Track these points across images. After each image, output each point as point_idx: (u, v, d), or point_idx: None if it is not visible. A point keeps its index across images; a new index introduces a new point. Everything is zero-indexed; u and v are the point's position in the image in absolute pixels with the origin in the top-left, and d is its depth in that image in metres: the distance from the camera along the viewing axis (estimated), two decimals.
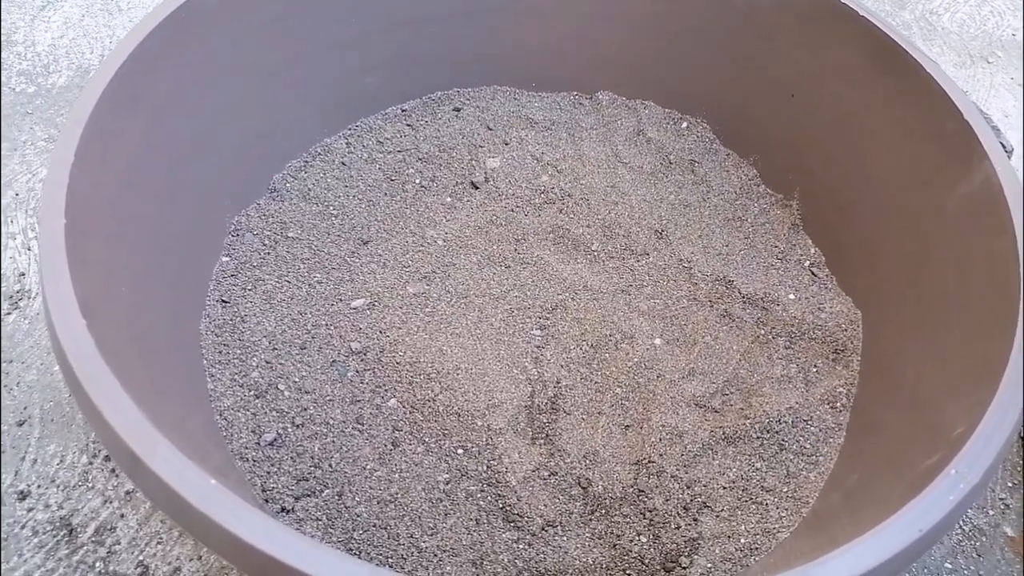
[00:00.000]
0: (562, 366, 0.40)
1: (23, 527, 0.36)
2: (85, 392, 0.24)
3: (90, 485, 0.38)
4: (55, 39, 0.61)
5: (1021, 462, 0.42)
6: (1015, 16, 0.73)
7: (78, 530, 0.37)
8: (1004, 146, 0.52)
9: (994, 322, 0.28)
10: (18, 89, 0.57)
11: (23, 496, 0.38)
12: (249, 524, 0.21)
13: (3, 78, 0.56)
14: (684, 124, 0.51)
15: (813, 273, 0.44)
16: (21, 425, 0.40)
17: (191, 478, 0.22)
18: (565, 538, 0.34)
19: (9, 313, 0.44)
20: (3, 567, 0.35)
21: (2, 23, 0.60)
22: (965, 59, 0.68)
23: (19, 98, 0.56)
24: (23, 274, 0.46)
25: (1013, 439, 0.25)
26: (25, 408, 0.41)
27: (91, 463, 0.39)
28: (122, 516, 0.37)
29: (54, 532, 0.36)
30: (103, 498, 0.38)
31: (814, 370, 0.40)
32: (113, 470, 0.39)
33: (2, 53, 0.58)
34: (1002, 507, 0.40)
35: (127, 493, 0.38)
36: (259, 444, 0.36)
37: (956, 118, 0.35)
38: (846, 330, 0.40)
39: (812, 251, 0.45)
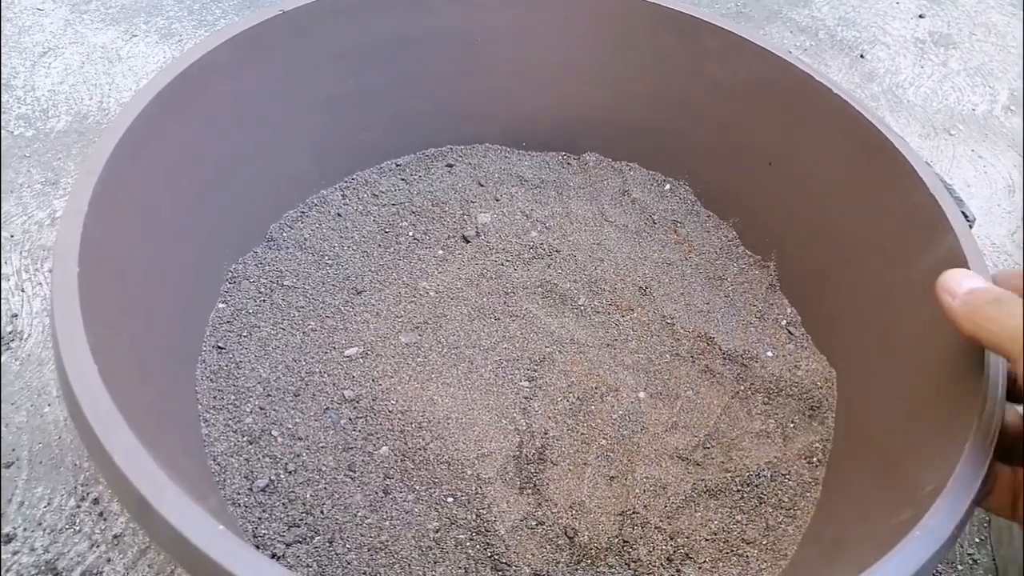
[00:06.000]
0: (549, 417, 0.41)
1: (8, 571, 0.36)
2: (96, 436, 0.25)
3: (77, 528, 0.38)
4: (55, 85, 0.62)
5: (988, 518, 0.44)
6: (974, 92, 0.78)
7: (64, 574, 0.37)
8: (967, 216, 0.55)
9: (959, 384, 0.30)
10: (16, 132, 0.58)
11: (8, 539, 0.37)
12: (257, 570, 0.22)
13: (2, 121, 0.57)
14: (667, 186, 0.53)
15: (790, 332, 0.46)
16: (9, 467, 0.40)
17: (200, 523, 0.23)
18: None
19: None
20: None
21: (2, 68, 0.62)
22: (929, 131, 0.72)
23: (17, 141, 0.57)
24: (15, 315, 0.46)
25: (981, 498, 0.26)
26: (13, 450, 0.41)
27: (79, 506, 0.39)
28: (109, 560, 0.37)
29: None
30: (90, 542, 0.38)
31: (791, 426, 0.41)
32: (101, 513, 0.39)
33: (1, 96, 0.59)
34: (970, 562, 0.42)
35: (114, 537, 0.38)
36: (251, 490, 0.36)
37: (922, 192, 0.37)
38: (821, 388, 0.42)
39: (788, 311, 0.47)
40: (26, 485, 0.39)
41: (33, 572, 0.36)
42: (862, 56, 0.80)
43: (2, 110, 0.58)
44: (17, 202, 0.52)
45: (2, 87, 0.60)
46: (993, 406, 0.28)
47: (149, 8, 0.72)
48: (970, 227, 0.56)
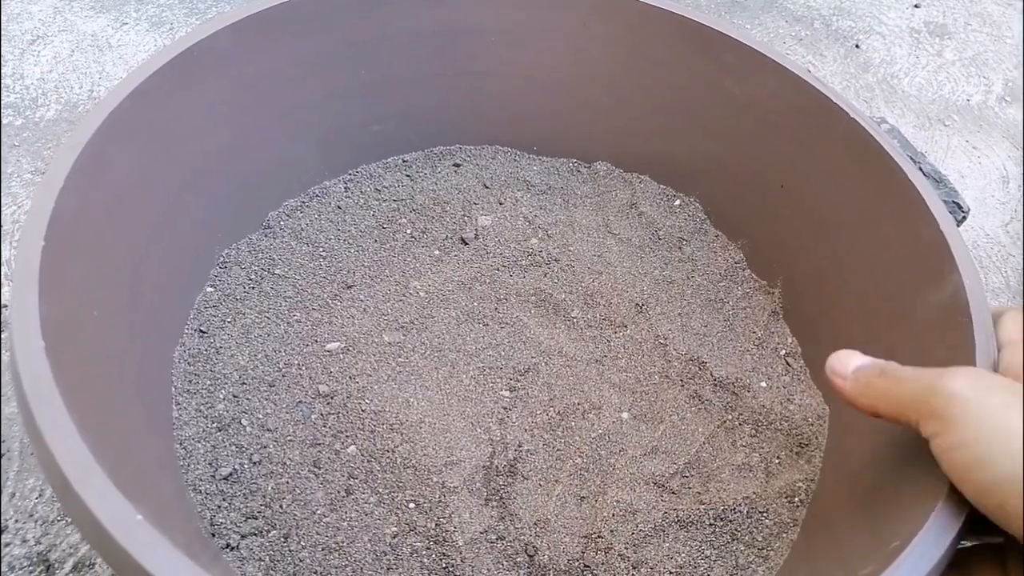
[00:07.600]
0: (526, 430, 0.40)
1: None
2: (30, 411, 0.24)
3: (69, 520, 0.38)
4: (44, 73, 0.62)
5: None
6: (968, 83, 0.77)
7: (56, 566, 0.36)
8: (960, 206, 0.54)
9: None
10: (5, 121, 0.57)
11: (0, 531, 0.37)
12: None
13: None
14: (677, 202, 0.52)
15: (788, 363, 0.44)
16: (0, 458, 0.40)
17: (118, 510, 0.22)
18: None
19: None
20: None
21: None
22: (924, 121, 0.71)
23: (6, 130, 0.56)
24: (5, 305, 0.46)
25: (944, 563, 0.24)
26: (4, 441, 0.40)
27: None
28: None
29: (31, 568, 0.36)
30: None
31: (776, 461, 0.40)
32: None
33: None
34: None
35: None
36: (214, 477, 0.36)
37: (932, 228, 0.35)
38: (812, 424, 0.40)
39: (789, 340, 0.45)
40: (17, 476, 0.39)
41: (25, 564, 0.36)
42: (857, 46, 0.80)
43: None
44: (6, 192, 0.52)
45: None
46: None
47: None
48: (964, 218, 0.54)
